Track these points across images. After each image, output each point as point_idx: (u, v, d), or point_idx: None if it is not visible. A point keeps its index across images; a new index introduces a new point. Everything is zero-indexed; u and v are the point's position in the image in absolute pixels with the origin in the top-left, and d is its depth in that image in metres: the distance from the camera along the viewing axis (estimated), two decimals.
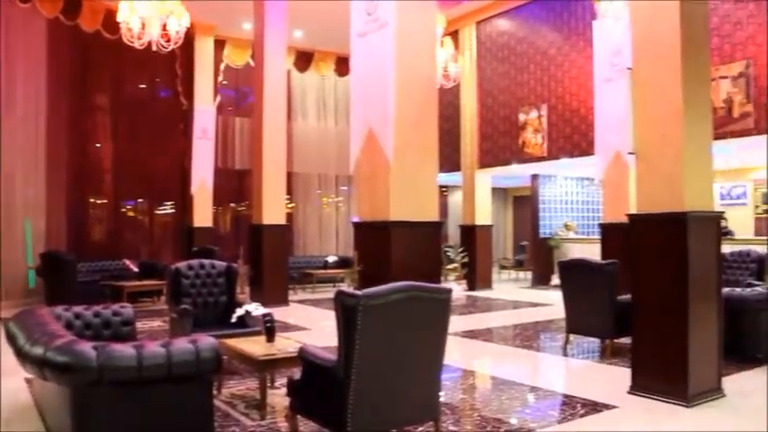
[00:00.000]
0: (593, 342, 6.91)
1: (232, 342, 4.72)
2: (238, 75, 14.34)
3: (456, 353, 6.40)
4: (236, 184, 14.92)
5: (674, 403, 4.51)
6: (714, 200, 5.13)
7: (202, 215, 13.16)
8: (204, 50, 13.39)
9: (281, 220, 10.59)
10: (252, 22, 11.38)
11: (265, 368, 4.41)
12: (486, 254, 13.05)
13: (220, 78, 13.86)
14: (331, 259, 13.90)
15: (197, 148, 13.06)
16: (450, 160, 13.31)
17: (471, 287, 12.52)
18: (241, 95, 14.89)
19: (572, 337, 6.83)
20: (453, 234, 16.71)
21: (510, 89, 12.62)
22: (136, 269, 11.09)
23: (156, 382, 2.97)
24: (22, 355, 3.15)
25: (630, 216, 5.00)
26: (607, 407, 4.54)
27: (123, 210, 13.35)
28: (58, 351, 2.89)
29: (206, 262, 6.39)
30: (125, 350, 2.92)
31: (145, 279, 10.68)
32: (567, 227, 14.20)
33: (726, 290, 5.62)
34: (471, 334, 7.75)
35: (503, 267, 16.34)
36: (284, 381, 4.08)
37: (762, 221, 13.94)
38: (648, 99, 4.89)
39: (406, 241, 5.59)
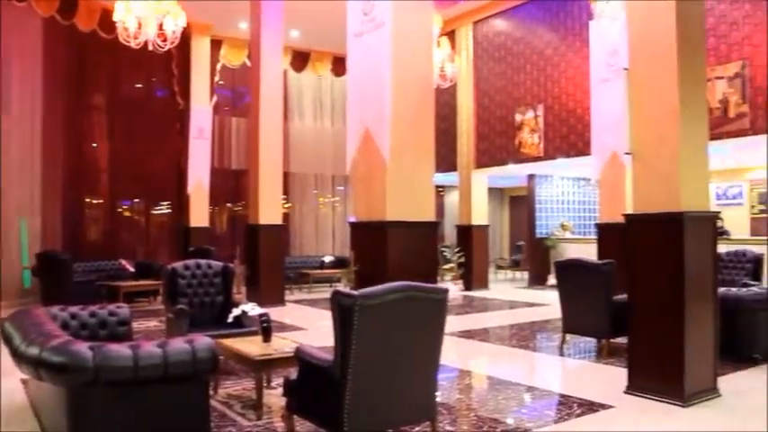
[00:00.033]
0: (590, 342, 6.93)
1: (228, 342, 4.72)
2: (235, 75, 14.31)
3: (452, 353, 6.41)
4: (233, 184, 14.88)
5: (670, 403, 4.52)
6: (710, 200, 5.14)
7: (199, 215, 13.15)
8: (201, 50, 13.38)
9: (278, 220, 10.60)
10: (248, 21, 11.36)
11: (262, 368, 4.41)
12: (483, 254, 13.05)
13: (217, 78, 13.85)
14: (327, 259, 13.90)
15: (193, 147, 13.04)
16: (446, 160, 13.30)
17: (468, 287, 12.51)
18: (237, 95, 14.87)
19: (568, 336, 6.84)
20: (450, 234, 16.71)
21: (507, 89, 12.63)
22: (132, 269, 11.08)
23: (152, 383, 2.97)
24: (17, 356, 3.14)
25: (627, 216, 5.02)
26: (603, 407, 4.55)
27: (119, 209, 13.31)
28: (53, 351, 2.88)
29: (202, 262, 6.38)
30: (121, 350, 2.91)
31: (141, 279, 10.65)
32: (563, 227, 14.23)
33: (722, 290, 5.64)
34: (468, 334, 7.76)
35: (499, 267, 16.34)
36: (281, 381, 4.07)
37: (758, 221, 13.98)
38: (645, 99, 4.90)
39: (402, 241, 5.60)
